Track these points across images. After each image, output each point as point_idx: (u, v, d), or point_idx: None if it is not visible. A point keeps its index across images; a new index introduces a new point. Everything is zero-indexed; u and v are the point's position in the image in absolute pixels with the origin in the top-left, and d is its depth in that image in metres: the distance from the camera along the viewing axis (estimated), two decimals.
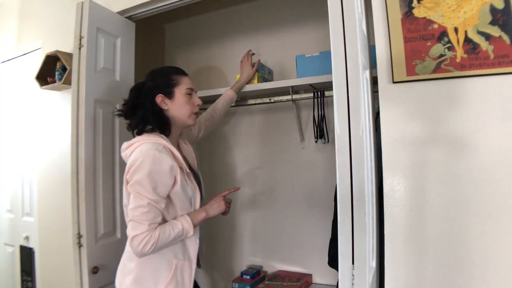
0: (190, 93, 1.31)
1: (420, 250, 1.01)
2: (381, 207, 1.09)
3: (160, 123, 1.26)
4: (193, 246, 1.27)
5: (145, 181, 1.11)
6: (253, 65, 1.77)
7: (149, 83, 1.29)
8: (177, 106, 1.28)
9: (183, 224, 1.18)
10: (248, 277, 1.82)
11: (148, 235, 1.09)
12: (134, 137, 1.27)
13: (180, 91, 1.28)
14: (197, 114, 1.34)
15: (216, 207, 1.30)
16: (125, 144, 1.26)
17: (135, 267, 1.19)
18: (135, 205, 1.11)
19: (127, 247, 1.23)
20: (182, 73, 1.33)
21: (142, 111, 1.26)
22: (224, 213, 1.35)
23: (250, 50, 1.81)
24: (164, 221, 1.18)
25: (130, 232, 1.11)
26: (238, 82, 1.75)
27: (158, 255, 1.18)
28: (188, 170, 1.25)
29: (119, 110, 1.33)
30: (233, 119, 2.14)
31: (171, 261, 1.21)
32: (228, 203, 1.35)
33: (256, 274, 1.86)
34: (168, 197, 1.19)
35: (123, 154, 1.27)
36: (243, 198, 2.07)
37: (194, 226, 1.22)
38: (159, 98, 1.26)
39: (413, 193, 1.03)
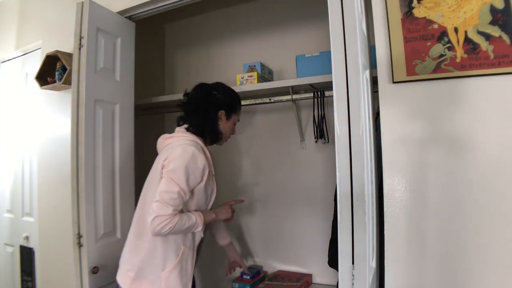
0: (236, 123, 1.51)
1: (420, 250, 1.01)
2: (381, 207, 1.09)
3: (212, 132, 1.42)
4: (198, 237, 1.38)
5: (181, 171, 1.24)
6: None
7: (220, 95, 1.43)
8: (225, 128, 1.46)
9: (197, 219, 1.30)
10: (248, 277, 1.81)
11: (169, 219, 1.20)
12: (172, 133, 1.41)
13: (234, 119, 1.49)
14: (226, 141, 1.53)
15: (224, 212, 1.47)
16: (165, 135, 1.41)
17: (148, 247, 1.28)
18: (167, 189, 1.23)
19: (142, 229, 1.31)
20: (241, 106, 1.53)
21: (204, 114, 1.40)
22: (228, 220, 1.51)
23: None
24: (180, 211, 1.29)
25: (155, 210, 1.20)
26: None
27: (170, 238, 1.29)
28: (214, 173, 1.40)
29: (182, 103, 1.45)
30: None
31: (179, 247, 1.31)
32: (233, 212, 1.52)
33: (256, 274, 1.86)
34: (191, 191, 1.31)
35: (162, 145, 1.40)
36: (243, 197, 2.07)
37: (204, 223, 1.33)
38: (221, 113, 1.42)
39: (413, 193, 1.03)
